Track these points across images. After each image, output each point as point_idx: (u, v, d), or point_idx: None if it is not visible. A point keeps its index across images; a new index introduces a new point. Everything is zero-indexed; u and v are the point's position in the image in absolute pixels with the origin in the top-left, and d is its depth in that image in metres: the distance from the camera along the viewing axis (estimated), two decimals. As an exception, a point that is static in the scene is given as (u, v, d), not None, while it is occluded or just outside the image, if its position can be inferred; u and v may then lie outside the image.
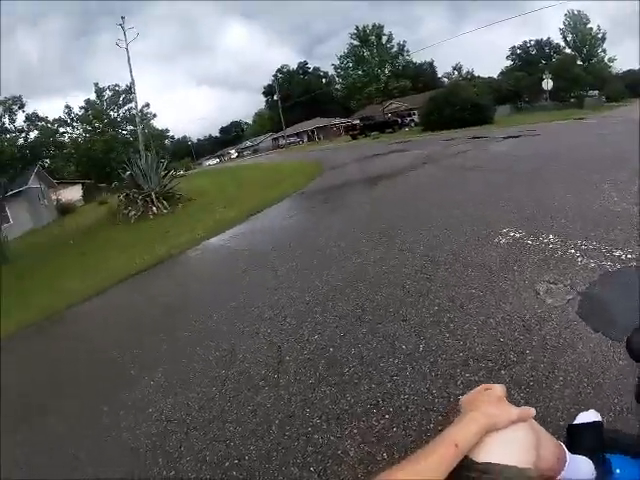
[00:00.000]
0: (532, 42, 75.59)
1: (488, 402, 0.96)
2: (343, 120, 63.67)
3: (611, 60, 73.58)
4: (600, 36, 70.46)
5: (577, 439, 1.47)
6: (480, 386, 1.06)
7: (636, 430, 1.68)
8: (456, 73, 77.30)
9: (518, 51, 76.12)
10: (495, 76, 72.26)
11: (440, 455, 0.82)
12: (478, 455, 0.87)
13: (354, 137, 42.58)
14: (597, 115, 29.99)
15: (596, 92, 66.17)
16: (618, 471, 1.29)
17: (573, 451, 1.34)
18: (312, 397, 2.60)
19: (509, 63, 76.39)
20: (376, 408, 2.37)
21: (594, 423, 1.56)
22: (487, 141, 15.93)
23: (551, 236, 4.53)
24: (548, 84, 34.65)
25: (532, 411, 1.00)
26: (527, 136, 15.99)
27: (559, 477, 1.22)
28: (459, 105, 30.85)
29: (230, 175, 22.61)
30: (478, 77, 69.51)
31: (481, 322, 3.08)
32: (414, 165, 12.13)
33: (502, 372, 2.45)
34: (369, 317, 3.44)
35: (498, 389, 1.02)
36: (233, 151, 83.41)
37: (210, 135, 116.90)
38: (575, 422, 1.60)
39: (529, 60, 71.19)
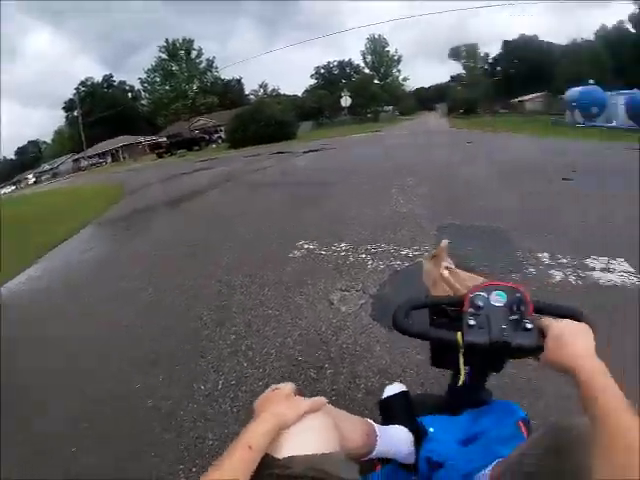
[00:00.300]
0: (335, 62, 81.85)
1: (277, 401, 0.97)
2: (149, 138, 60.90)
3: (405, 79, 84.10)
4: (396, 58, 79.70)
5: (388, 411, 1.59)
6: (269, 387, 1.06)
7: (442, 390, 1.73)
8: (262, 90, 78.81)
9: (322, 71, 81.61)
10: (300, 94, 76.63)
11: (236, 459, 0.81)
12: (280, 452, 0.88)
13: (160, 155, 40.98)
14: (390, 128, 33.62)
15: (391, 107, 73.31)
16: (432, 429, 1.39)
17: (388, 423, 1.46)
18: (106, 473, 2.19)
19: (313, 82, 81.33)
20: (182, 463, 2.12)
21: (400, 393, 1.65)
22: (288, 156, 16.66)
23: (343, 244, 4.78)
24: (346, 101, 37.50)
25: (323, 400, 1.02)
26: (325, 150, 17.16)
27: (376, 451, 1.31)
28: (264, 122, 31.84)
29: (25, 204, 20.29)
30: (283, 95, 72.50)
31: (279, 344, 3.04)
32: (217, 183, 12.12)
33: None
34: (165, 360, 3.10)
35: (286, 387, 1.03)
36: (31, 176, 75.07)
37: (4, 157, 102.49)
38: (383, 396, 1.68)
39: (331, 79, 76.25)
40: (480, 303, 1.17)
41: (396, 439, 1.41)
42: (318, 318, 3.25)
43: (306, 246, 4.93)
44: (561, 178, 7.43)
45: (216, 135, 47.26)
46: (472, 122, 36.32)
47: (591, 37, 65.14)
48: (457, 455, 1.29)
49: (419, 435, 1.42)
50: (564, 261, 3.83)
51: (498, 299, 1.18)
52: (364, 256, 4.32)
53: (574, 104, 33.18)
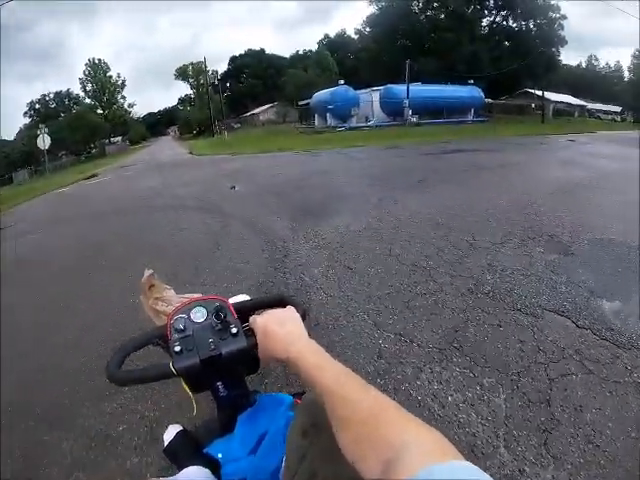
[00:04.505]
0: (51, 95, 68.11)
1: None
2: None
3: (131, 105, 75.66)
4: (120, 83, 70.74)
5: (175, 457, 1.42)
6: None
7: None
8: None
9: (37, 106, 66.87)
10: (12, 138, 61.36)
11: None
12: None
13: None
14: (112, 167, 25.43)
15: (119, 138, 66.32)
16: (220, 455, 1.26)
17: (182, 468, 1.30)
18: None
19: (27, 120, 65.96)
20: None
21: (177, 434, 1.45)
22: None
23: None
24: (45, 142, 24.94)
25: None
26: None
27: None
28: None
29: None
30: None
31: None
32: None
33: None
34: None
35: None
36: None
37: None
38: (164, 444, 1.46)
39: (49, 114, 62.41)
40: (181, 325, 1.09)
41: None
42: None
43: None
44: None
45: None
46: (212, 143, 31.85)
47: (312, 48, 69.15)
48: (253, 465, 1.18)
49: (214, 466, 1.26)
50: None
51: (198, 315, 1.13)
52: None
53: (330, 107, 31.11)
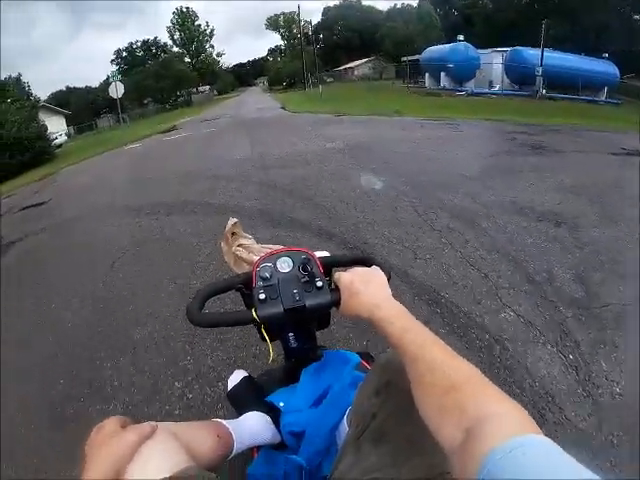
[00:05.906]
0: (138, 43, 67.32)
1: (104, 444, 0.74)
2: None
3: (219, 55, 75.02)
4: (208, 32, 70.13)
5: (238, 402, 1.45)
6: (94, 428, 0.78)
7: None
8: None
9: (124, 54, 66.49)
10: (97, 85, 61.44)
11: None
12: None
13: None
14: (196, 120, 22.90)
15: (207, 87, 66.21)
16: (282, 404, 1.30)
17: (242, 413, 1.33)
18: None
19: (115, 68, 65.42)
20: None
21: (243, 379, 1.50)
22: None
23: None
24: (118, 90, 21.55)
25: (151, 424, 0.79)
26: None
27: (237, 446, 1.13)
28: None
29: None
30: (69, 89, 59.00)
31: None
32: None
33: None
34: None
35: (111, 423, 0.77)
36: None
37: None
38: (229, 388, 1.50)
39: (136, 63, 62.09)
40: (267, 274, 1.09)
41: (253, 427, 1.27)
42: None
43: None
44: None
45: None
46: (307, 98, 28.54)
47: (412, 3, 65.26)
48: (314, 418, 1.21)
49: (274, 414, 1.31)
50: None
51: (284, 265, 1.13)
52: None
53: (450, 66, 26.35)
